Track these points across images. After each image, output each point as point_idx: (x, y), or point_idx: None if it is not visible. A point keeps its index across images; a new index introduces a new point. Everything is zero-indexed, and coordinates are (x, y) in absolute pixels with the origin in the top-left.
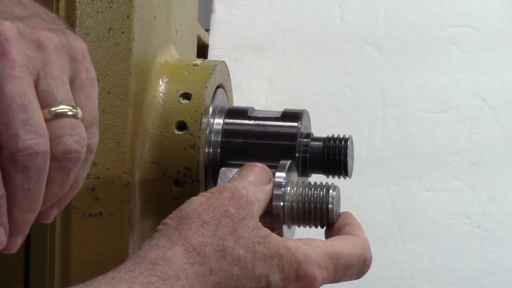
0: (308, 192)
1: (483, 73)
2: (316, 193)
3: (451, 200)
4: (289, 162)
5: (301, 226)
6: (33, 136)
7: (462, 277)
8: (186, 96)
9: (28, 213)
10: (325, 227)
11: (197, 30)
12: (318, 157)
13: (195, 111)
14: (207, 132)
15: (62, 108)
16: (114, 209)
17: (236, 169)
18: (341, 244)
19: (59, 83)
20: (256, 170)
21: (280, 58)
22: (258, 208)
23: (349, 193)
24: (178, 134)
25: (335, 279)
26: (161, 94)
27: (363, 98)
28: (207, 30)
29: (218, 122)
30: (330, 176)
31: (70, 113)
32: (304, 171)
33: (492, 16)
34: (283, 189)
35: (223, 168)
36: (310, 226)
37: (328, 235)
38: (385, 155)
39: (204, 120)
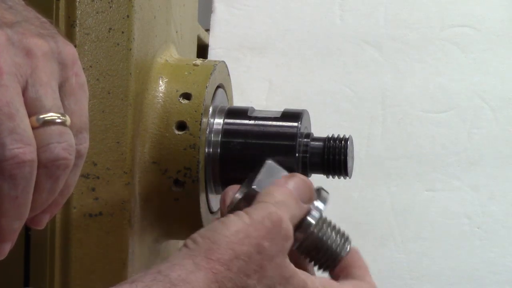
0: (331, 234)
1: (483, 73)
2: (335, 241)
3: (451, 200)
4: (328, 195)
5: (310, 260)
6: (20, 145)
7: (462, 277)
8: (186, 96)
9: (15, 220)
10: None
11: (197, 30)
12: (318, 157)
13: (195, 111)
14: (207, 132)
15: (51, 115)
16: (114, 209)
17: (283, 170)
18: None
19: (48, 90)
20: (300, 185)
21: (280, 58)
22: (291, 242)
23: (349, 193)
24: (178, 134)
25: None
26: (161, 94)
27: (363, 98)
28: (207, 30)
29: (218, 122)
30: (330, 176)
31: (58, 120)
32: (304, 171)
33: (492, 16)
34: (314, 220)
35: (270, 161)
36: (315, 265)
37: (334, 272)
38: (385, 155)
39: (204, 120)
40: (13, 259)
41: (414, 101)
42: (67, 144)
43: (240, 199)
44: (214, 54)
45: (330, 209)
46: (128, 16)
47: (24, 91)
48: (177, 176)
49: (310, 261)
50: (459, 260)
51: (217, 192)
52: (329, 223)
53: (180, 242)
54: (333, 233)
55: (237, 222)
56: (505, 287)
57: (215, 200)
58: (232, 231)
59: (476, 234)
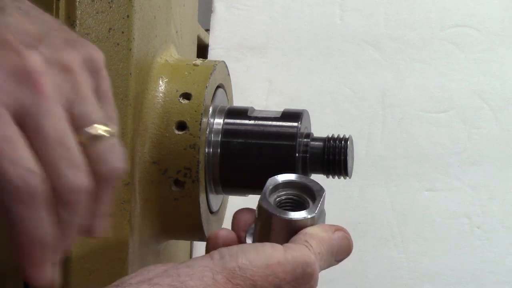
0: None
1: (483, 73)
2: None
3: (451, 200)
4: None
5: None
6: (75, 171)
7: (462, 277)
8: (186, 96)
9: (66, 242)
10: None
11: (197, 30)
12: (318, 157)
13: (195, 111)
14: (207, 132)
15: (99, 129)
16: (114, 209)
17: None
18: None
19: (89, 103)
20: (344, 242)
21: (280, 58)
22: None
23: (349, 193)
24: (178, 134)
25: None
26: (161, 94)
27: (363, 98)
28: (207, 30)
29: (218, 122)
30: (330, 176)
31: (107, 134)
32: (304, 171)
33: (492, 16)
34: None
35: (323, 190)
36: None
37: None
38: (385, 155)
39: (204, 120)
40: (13, 259)
41: (414, 101)
42: (119, 153)
43: (294, 220)
44: (214, 54)
45: (330, 209)
46: (128, 16)
47: (68, 109)
48: (177, 176)
49: None
50: (459, 260)
51: (217, 192)
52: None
53: (180, 242)
54: None
55: (270, 256)
56: (505, 287)
57: (215, 200)
58: (261, 264)
59: (476, 234)
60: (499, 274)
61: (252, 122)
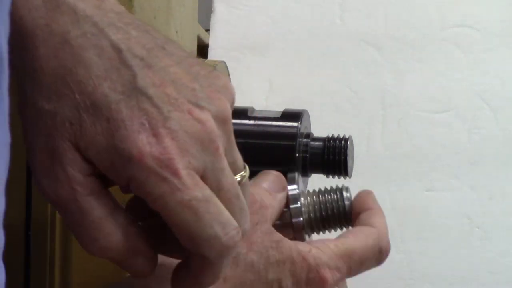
0: (322, 199)
1: (483, 73)
2: (331, 198)
3: (451, 200)
4: (296, 173)
5: (322, 232)
6: (246, 219)
7: (462, 277)
8: None
9: None
10: None
11: (197, 30)
12: (318, 157)
13: None
14: None
15: (241, 175)
16: None
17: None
18: (353, 240)
19: (236, 149)
20: (270, 178)
21: (280, 58)
22: (271, 214)
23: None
24: None
25: (351, 275)
26: None
27: (363, 98)
28: (207, 30)
29: None
30: (330, 176)
31: (246, 178)
32: (304, 171)
33: (492, 16)
34: (299, 202)
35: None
36: (330, 232)
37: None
38: (385, 155)
39: None
40: (13, 259)
41: (414, 101)
42: (249, 192)
43: None
44: (214, 54)
45: None
46: None
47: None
48: None
49: (325, 232)
50: (459, 260)
51: None
52: (314, 192)
53: None
54: (324, 197)
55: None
56: (505, 287)
57: None
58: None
59: (476, 234)
60: (499, 274)
61: (252, 122)
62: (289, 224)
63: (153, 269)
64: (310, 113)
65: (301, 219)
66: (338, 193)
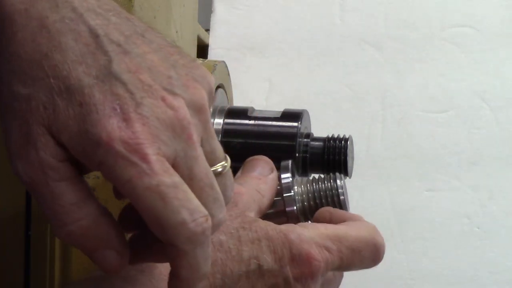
0: (316, 187)
1: (483, 73)
2: (325, 186)
3: (451, 200)
4: (290, 161)
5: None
6: (222, 209)
7: (462, 277)
8: None
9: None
10: None
11: (197, 30)
12: (318, 157)
13: None
14: None
15: (222, 165)
16: (114, 209)
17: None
18: (345, 227)
19: (215, 138)
20: (258, 163)
21: (280, 58)
22: (251, 198)
23: (349, 193)
24: None
25: (343, 263)
26: None
27: (363, 98)
28: (207, 30)
29: (218, 122)
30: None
31: (227, 168)
32: (304, 171)
33: (492, 16)
34: (292, 191)
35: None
36: None
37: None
38: (385, 155)
39: None
40: (13, 259)
41: (414, 101)
42: (233, 185)
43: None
44: (214, 54)
45: None
46: None
47: (202, 148)
48: None
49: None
50: (459, 260)
51: None
52: (308, 180)
53: None
54: (318, 186)
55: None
56: (505, 287)
57: None
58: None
59: (476, 234)
60: (499, 274)
61: (252, 122)
62: (283, 212)
63: (124, 266)
64: (310, 113)
65: (295, 207)
66: (332, 181)
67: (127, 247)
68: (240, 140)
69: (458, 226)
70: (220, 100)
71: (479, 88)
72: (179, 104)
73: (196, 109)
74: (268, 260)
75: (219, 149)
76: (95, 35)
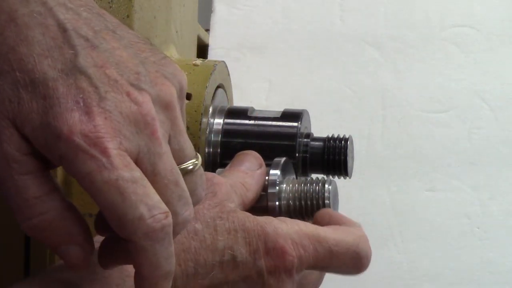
0: (303, 188)
1: (483, 73)
2: (312, 189)
3: (451, 200)
4: (283, 159)
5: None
6: (187, 207)
7: (462, 277)
8: (186, 96)
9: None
10: None
11: (197, 30)
12: (318, 157)
13: (195, 111)
14: (207, 132)
15: (192, 163)
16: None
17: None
18: (329, 230)
19: (184, 136)
20: (246, 158)
21: (280, 58)
22: (233, 189)
23: (349, 193)
24: None
25: (318, 263)
26: None
27: (363, 98)
28: (207, 30)
29: (218, 122)
30: (330, 176)
31: (198, 166)
32: (304, 171)
33: (492, 16)
34: (277, 187)
35: (218, 170)
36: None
37: None
38: (385, 155)
39: (204, 120)
40: (14, 258)
41: (414, 101)
42: (204, 183)
43: None
44: (214, 54)
45: None
46: (128, 16)
47: (169, 145)
48: None
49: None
50: (459, 260)
51: None
52: (299, 180)
53: None
54: (306, 187)
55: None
56: (505, 287)
57: None
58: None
59: (476, 234)
60: (499, 274)
61: (252, 122)
62: (265, 207)
63: (87, 263)
64: (310, 113)
65: (277, 203)
66: (320, 184)
67: (92, 243)
68: (240, 140)
69: (458, 226)
70: (220, 100)
71: (479, 88)
72: (144, 99)
73: (163, 105)
74: (242, 252)
75: (188, 146)
76: (63, 29)
